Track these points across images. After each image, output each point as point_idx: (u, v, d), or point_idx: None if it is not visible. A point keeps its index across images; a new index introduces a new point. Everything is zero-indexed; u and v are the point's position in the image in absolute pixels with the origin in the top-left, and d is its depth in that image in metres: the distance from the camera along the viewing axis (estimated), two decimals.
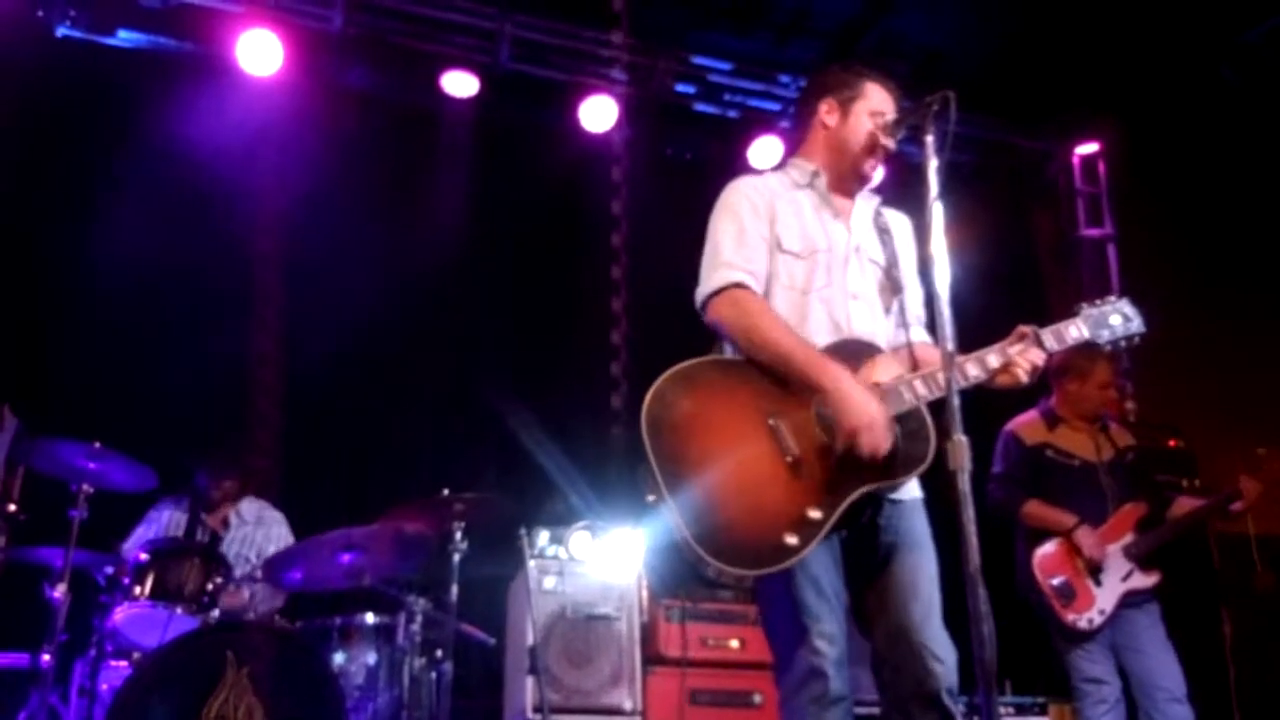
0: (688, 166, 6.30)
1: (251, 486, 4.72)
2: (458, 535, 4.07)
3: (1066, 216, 6.88)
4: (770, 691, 4.38)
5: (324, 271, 5.37)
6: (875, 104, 2.63)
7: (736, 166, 5.87)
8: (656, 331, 5.30)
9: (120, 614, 3.76)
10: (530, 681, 4.17)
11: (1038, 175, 6.96)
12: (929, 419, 2.34)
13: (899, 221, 2.72)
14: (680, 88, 6.07)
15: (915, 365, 2.46)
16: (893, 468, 2.32)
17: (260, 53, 5.41)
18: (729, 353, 2.50)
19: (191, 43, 5.55)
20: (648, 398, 2.31)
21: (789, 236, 2.54)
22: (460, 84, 5.75)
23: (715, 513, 2.22)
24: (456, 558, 4.05)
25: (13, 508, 4.33)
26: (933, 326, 2.35)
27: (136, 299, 4.98)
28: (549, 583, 4.43)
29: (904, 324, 2.61)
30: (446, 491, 4.04)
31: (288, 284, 5.37)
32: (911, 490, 2.47)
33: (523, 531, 4.43)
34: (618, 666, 4.33)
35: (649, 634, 4.47)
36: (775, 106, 6.17)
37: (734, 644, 4.52)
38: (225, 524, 4.56)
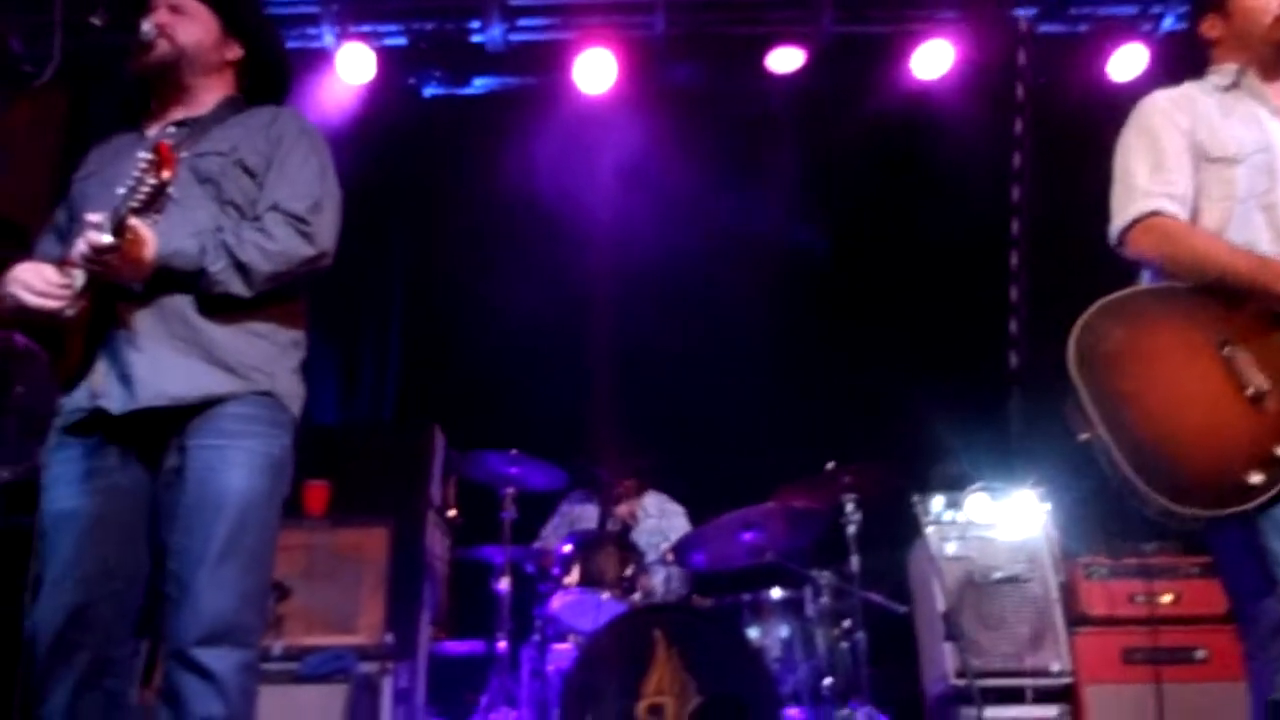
0: (1041, 91, 5.83)
1: (651, 483, 5.01)
2: (849, 507, 4.10)
3: None
4: (1216, 646, 4.03)
5: (682, 266, 5.56)
6: None
7: (1097, 83, 5.41)
8: (1050, 283, 4.96)
9: (557, 601, 4.13)
10: (948, 648, 4.08)
11: None
12: None
13: None
14: (1020, 11, 5.65)
15: None
16: None
17: (594, 71, 5.69)
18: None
19: (533, 75, 5.97)
20: (1075, 331, 2.16)
21: (1217, 141, 2.30)
22: (785, 60, 5.71)
23: (1163, 448, 2.05)
24: (851, 529, 4.09)
25: (453, 513, 4.94)
26: None
27: (524, 320, 5.42)
28: (950, 548, 4.29)
29: None
30: (832, 464, 4.08)
31: (646, 281, 5.62)
32: None
33: (916, 498, 4.34)
34: (1037, 628, 4.13)
35: (1068, 593, 4.22)
36: (1131, 10, 5.55)
37: (1166, 599, 4.15)
38: (634, 517, 4.88)
